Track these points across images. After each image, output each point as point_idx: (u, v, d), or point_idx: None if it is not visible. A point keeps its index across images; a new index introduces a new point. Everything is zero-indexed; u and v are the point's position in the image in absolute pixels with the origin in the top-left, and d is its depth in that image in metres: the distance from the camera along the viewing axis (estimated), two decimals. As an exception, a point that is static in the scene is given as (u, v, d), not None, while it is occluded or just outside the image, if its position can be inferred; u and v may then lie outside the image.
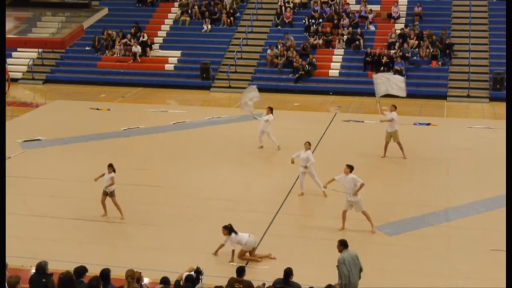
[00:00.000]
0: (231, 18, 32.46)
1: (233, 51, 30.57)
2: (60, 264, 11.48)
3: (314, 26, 31.14)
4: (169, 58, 31.16)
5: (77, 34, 9.79)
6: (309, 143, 16.50)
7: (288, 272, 10.16)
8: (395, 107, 19.38)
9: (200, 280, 10.41)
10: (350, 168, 14.38)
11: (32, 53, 31.91)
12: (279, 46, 29.80)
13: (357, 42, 30.04)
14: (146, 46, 31.39)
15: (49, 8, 11.19)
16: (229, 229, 13.03)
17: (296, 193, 16.60)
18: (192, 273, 10.54)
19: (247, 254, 13.15)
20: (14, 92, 28.99)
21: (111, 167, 14.89)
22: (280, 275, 10.27)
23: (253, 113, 20.61)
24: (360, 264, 10.76)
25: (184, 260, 12.94)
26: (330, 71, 29.27)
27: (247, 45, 31.42)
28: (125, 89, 29.34)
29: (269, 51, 29.80)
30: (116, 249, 13.77)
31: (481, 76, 28.17)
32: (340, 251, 10.76)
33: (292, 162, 16.74)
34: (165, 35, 32.85)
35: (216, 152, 20.34)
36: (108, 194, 14.87)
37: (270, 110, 19.96)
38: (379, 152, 19.51)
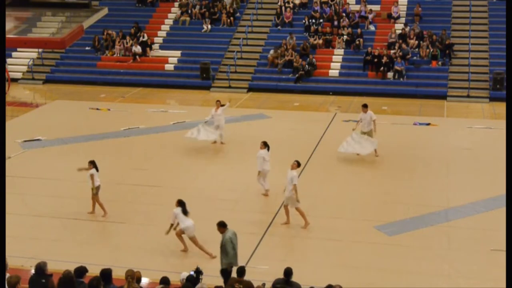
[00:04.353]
0: (231, 18, 32.46)
1: (233, 51, 30.57)
2: (60, 264, 11.48)
3: (314, 26, 31.15)
4: (169, 58, 31.16)
5: (77, 34, 9.76)
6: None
7: (289, 272, 10.16)
8: (367, 106, 19.34)
9: (200, 280, 10.42)
10: (298, 164, 14.75)
11: (32, 53, 31.91)
12: (284, 46, 29.76)
13: (357, 42, 30.05)
14: (146, 46, 31.40)
15: (49, 8, 11.16)
16: (180, 204, 13.23)
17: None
18: (192, 273, 10.56)
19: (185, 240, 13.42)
20: (14, 92, 28.99)
21: (91, 164, 14.98)
22: (280, 275, 10.27)
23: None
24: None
25: (184, 260, 12.97)
26: (330, 71, 29.28)
27: (247, 45, 31.41)
28: (125, 89, 29.36)
29: (272, 51, 29.79)
30: (116, 249, 13.77)
31: (481, 76, 28.17)
32: (222, 232, 11.45)
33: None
34: (165, 35, 32.85)
35: (216, 152, 20.35)
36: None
37: (220, 104, 20.35)
38: (378, 152, 19.50)
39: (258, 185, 16.46)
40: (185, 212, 13.24)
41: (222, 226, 11.59)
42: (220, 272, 11.52)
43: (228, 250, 11.34)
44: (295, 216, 15.02)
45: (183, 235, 13.37)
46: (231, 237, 11.42)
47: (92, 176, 14.87)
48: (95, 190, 15.01)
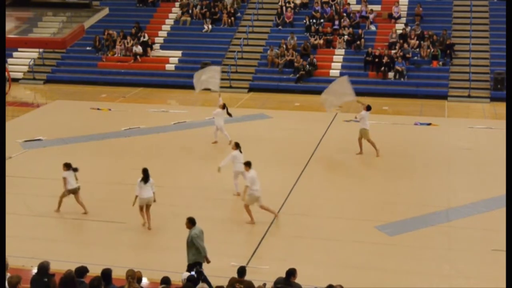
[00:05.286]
0: (232, 18, 32.47)
1: (234, 51, 30.58)
2: (61, 264, 11.48)
3: (315, 26, 31.15)
4: (170, 58, 31.17)
5: (78, 34, 9.75)
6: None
7: (290, 273, 10.15)
8: (367, 108, 19.39)
9: (201, 280, 10.42)
10: (249, 165, 14.83)
11: (33, 53, 31.92)
12: (284, 46, 29.76)
13: (357, 42, 30.04)
14: (147, 46, 31.41)
15: (50, 8, 11.16)
16: (144, 173, 13.95)
17: (296, 194, 16.59)
18: (193, 273, 10.56)
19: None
20: (14, 92, 29.00)
21: (65, 166, 15.01)
22: (281, 274, 10.27)
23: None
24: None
25: (185, 260, 12.96)
26: (330, 71, 29.25)
27: (247, 45, 31.41)
28: (126, 89, 29.36)
29: (269, 51, 29.82)
30: (116, 249, 13.77)
31: (481, 76, 28.16)
32: (190, 227, 11.58)
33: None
34: (165, 35, 32.86)
35: (216, 152, 20.34)
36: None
37: (223, 107, 20.39)
38: (380, 152, 19.50)
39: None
40: (145, 179, 13.89)
41: (191, 222, 11.64)
42: (188, 266, 11.47)
43: (198, 244, 11.40)
44: (294, 216, 15.05)
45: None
46: (197, 233, 11.49)
47: (64, 179, 14.89)
48: (67, 193, 15.02)
